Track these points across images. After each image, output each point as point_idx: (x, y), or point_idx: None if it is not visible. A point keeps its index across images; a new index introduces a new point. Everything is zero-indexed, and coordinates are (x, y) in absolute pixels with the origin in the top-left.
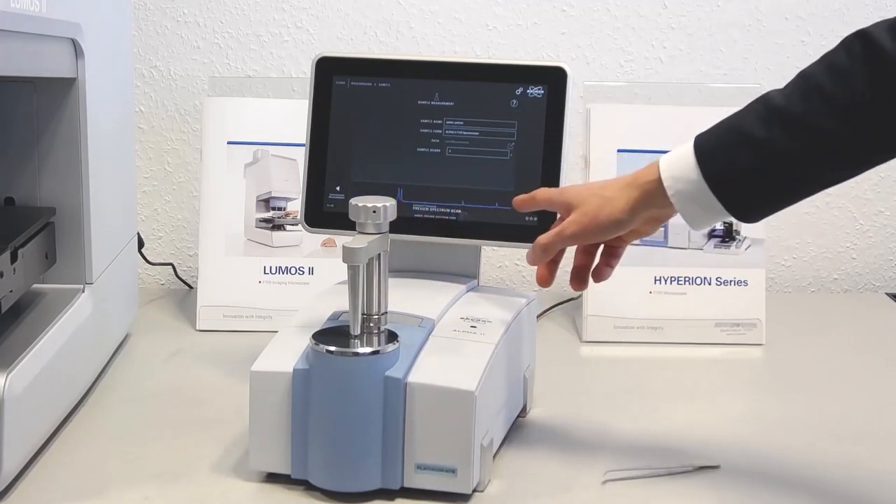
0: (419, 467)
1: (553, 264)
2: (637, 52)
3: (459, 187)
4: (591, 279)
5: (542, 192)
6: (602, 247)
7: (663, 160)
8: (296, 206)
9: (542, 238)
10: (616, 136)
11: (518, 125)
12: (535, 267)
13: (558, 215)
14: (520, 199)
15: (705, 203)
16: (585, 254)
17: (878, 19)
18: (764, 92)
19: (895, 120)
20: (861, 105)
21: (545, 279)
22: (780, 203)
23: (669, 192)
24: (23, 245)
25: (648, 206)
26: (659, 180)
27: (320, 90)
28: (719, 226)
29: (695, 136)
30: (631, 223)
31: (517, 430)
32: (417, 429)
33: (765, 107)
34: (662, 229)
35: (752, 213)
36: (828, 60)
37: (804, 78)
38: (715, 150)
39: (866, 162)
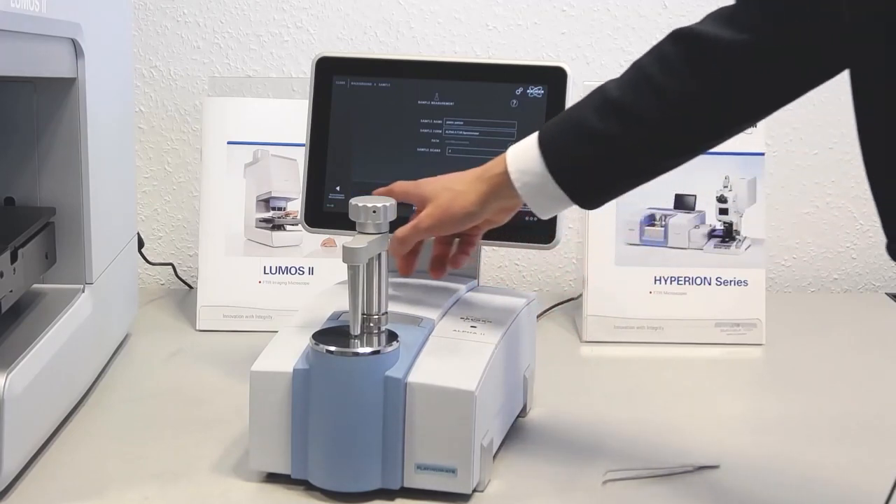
0: (419, 467)
1: (412, 255)
2: (637, 52)
3: None
4: (448, 266)
5: (399, 185)
6: (456, 239)
7: (510, 153)
8: (296, 206)
9: (399, 231)
10: None
11: (518, 125)
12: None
13: (414, 208)
14: (379, 191)
15: (550, 193)
16: (443, 244)
17: None
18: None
19: (719, 107)
20: (687, 94)
21: (404, 269)
22: (621, 189)
23: (517, 185)
24: (23, 245)
25: (497, 197)
26: (506, 173)
27: (320, 90)
28: (719, 225)
29: (540, 130)
30: (482, 214)
31: (517, 430)
32: (417, 429)
33: (601, 98)
34: (662, 230)
35: (595, 201)
36: (657, 52)
37: (637, 69)
38: (556, 141)
39: (695, 150)
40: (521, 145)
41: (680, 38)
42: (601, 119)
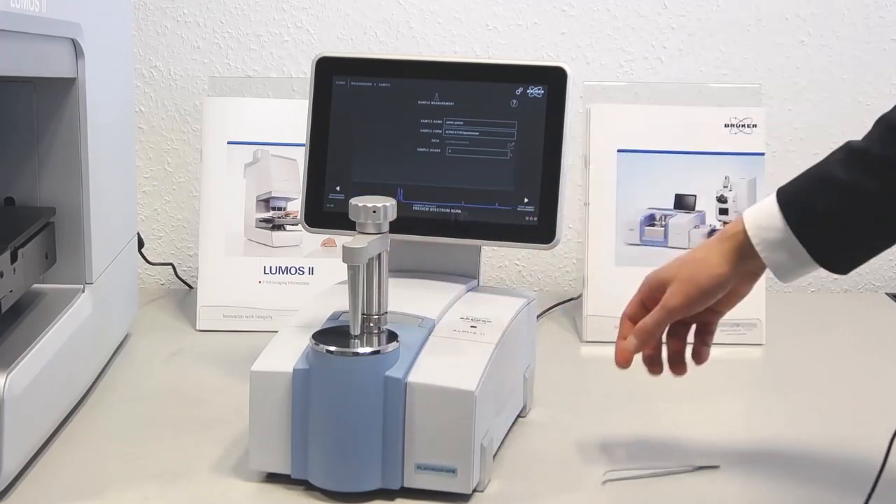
0: (419, 467)
1: (657, 349)
2: (637, 52)
3: (459, 187)
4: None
5: (642, 290)
6: (694, 328)
7: (747, 212)
8: (296, 206)
9: (646, 320)
10: (616, 136)
11: (518, 125)
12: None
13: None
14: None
15: (792, 251)
16: (676, 338)
17: (878, 19)
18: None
19: None
20: None
21: (654, 364)
22: (868, 246)
23: (755, 241)
24: (23, 245)
25: (742, 257)
26: (744, 231)
27: (320, 90)
28: (719, 226)
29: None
30: (731, 278)
31: (517, 430)
32: (417, 429)
33: (846, 152)
34: (662, 230)
35: (841, 260)
36: None
37: (882, 121)
38: (798, 195)
39: None
40: (758, 204)
41: None
42: (846, 170)
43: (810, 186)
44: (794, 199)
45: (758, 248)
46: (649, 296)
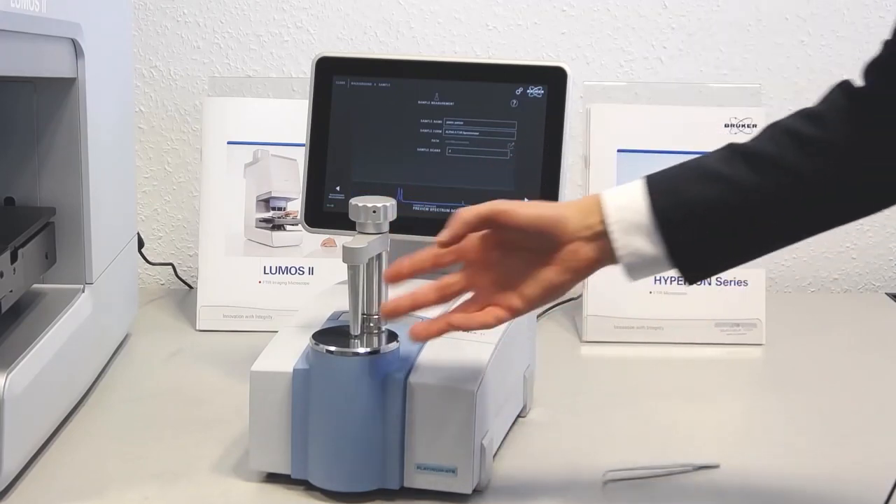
0: (419, 467)
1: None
2: (637, 52)
3: (459, 187)
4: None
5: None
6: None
7: (606, 192)
8: (296, 206)
9: (463, 210)
10: (616, 136)
11: (518, 125)
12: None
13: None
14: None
15: (649, 238)
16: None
17: (878, 19)
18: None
19: (877, 158)
20: (837, 142)
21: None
22: (731, 252)
23: (609, 221)
24: (23, 245)
25: (591, 231)
26: (599, 206)
27: (320, 90)
28: None
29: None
30: (565, 232)
31: (517, 430)
32: (417, 429)
33: (727, 149)
34: None
35: (701, 263)
36: (801, 111)
37: (772, 126)
38: (668, 181)
39: (849, 210)
40: (621, 187)
41: (831, 91)
42: (728, 164)
43: (684, 175)
44: (662, 184)
45: (611, 229)
46: (465, 228)
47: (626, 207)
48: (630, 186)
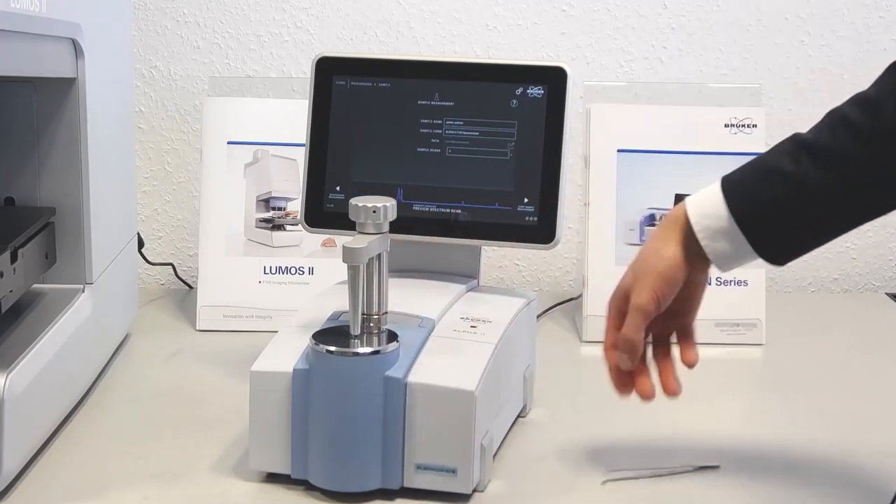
0: (419, 467)
1: (644, 365)
2: (637, 52)
3: (459, 187)
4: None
5: (611, 314)
6: (676, 336)
7: (689, 199)
8: (296, 206)
9: (624, 330)
10: (616, 136)
11: (518, 125)
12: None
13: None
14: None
15: (733, 240)
16: (661, 355)
17: (878, 19)
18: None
19: None
20: (891, 130)
21: (648, 390)
22: (810, 240)
23: (696, 229)
24: (23, 245)
25: (689, 241)
26: (686, 217)
27: (320, 90)
28: None
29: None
30: (685, 260)
31: (517, 430)
32: (417, 429)
33: (792, 143)
34: None
35: (781, 251)
36: (856, 97)
37: (830, 114)
38: (742, 184)
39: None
40: (702, 191)
41: (886, 73)
42: (793, 161)
43: (755, 176)
44: (738, 188)
45: (699, 236)
46: (619, 315)
47: (709, 215)
48: (710, 193)
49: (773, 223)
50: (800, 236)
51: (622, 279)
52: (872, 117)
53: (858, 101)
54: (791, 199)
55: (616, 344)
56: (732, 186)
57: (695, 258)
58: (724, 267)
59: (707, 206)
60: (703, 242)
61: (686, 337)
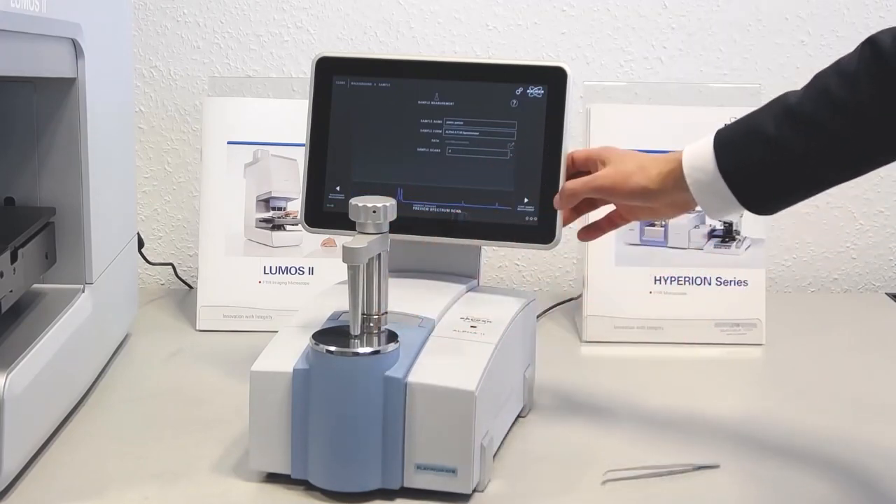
0: (419, 467)
1: (576, 212)
2: (637, 52)
3: (459, 187)
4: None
5: (579, 151)
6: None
7: (687, 149)
8: (296, 206)
9: (571, 183)
10: (616, 136)
11: (518, 125)
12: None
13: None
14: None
15: (720, 194)
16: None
17: (878, 19)
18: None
19: (894, 122)
20: (865, 106)
21: (568, 220)
22: (791, 198)
23: (689, 181)
24: (23, 245)
25: (675, 186)
26: (681, 165)
27: (320, 90)
28: (719, 225)
29: (717, 129)
30: (657, 197)
31: (517, 430)
32: (417, 429)
33: (780, 105)
34: (662, 230)
35: (765, 207)
36: (839, 64)
37: (816, 78)
38: (731, 144)
39: (871, 162)
40: (697, 143)
41: (863, 47)
42: (777, 126)
43: (743, 137)
44: (727, 147)
45: (691, 188)
46: (583, 163)
47: (699, 169)
48: (703, 147)
49: (758, 181)
50: (783, 193)
51: (610, 152)
52: (850, 92)
53: (840, 71)
54: (774, 162)
55: (562, 191)
56: (722, 145)
57: (672, 201)
58: (713, 216)
59: (698, 160)
60: (695, 195)
61: (610, 223)
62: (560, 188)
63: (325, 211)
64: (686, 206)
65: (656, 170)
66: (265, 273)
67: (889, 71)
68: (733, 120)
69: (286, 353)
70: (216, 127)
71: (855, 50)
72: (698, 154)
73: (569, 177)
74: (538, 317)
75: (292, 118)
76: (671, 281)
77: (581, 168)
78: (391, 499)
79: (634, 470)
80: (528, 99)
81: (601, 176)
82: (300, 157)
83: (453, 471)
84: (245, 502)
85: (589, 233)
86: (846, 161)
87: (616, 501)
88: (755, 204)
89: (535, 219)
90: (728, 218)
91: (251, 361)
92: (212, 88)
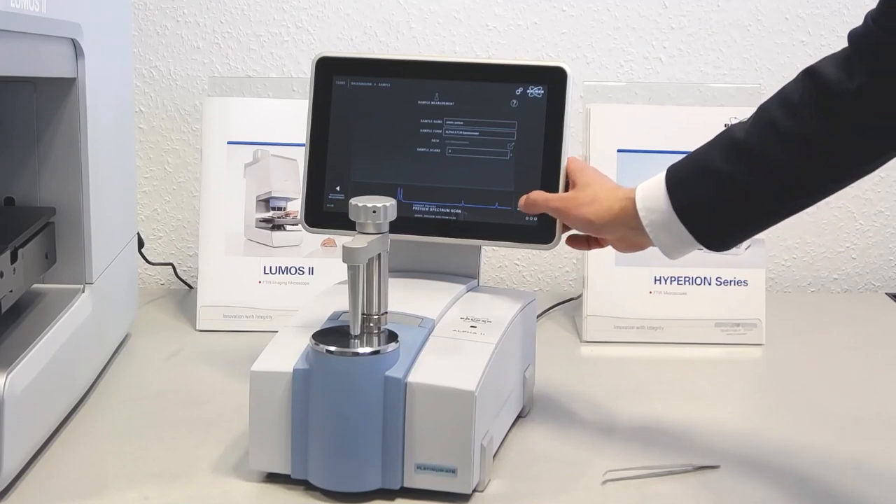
0: (419, 467)
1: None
2: (637, 52)
3: (459, 187)
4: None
5: (574, 162)
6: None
7: (639, 189)
8: (296, 206)
9: (535, 194)
10: (616, 136)
11: (518, 125)
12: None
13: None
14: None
15: (676, 232)
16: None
17: None
18: (730, 124)
19: (841, 150)
20: (810, 136)
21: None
22: (747, 231)
23: (644, 223)
24: (23, 245)
25: (624, 225)
26: (635, 205)
27: (320, 90)
28: None
29: (667, 167)
30: (602, 230)
31: (517, 430)
32: (417, 429)
33: (727, 139)
34: None
35: (722, 242)
36: (781, 95)
37: (761, 111)
38: (683, 181)
39: (821, 191)
40: (649, 182)
41: (804, 78)
42: (726, 160)
43: (694, 173)
44: (679, 185)
45: (647, 229)
46: (568, 173)
47: (654, 209)
48: (656, 186)
49: (712, 217)
50: (738, 228)
51: (584, 172)
52: (795, 123)
53: (784, 102)
54: (725, 197)
55: (526, 199)
56: (673, 183)
57: (620, 237)
58: (671, 255)
59: (651, 201)
60: (651, 236)
61: (593, 242)
62: (528, 194)
63: (325, 211)
64: (638, 245)
65: (607, 205)
66: (265, 273)
67: (830, 100)
68: (683, 156)
69: (286, 353)
70: (216, 127)
71: (795, 79)
72: (651, 194)
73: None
74: (538, 317)
75: (292, 118)
76: (671, 281)
77: (568, 177)
78: (391, 499)
79: (634, 470)
80: (528, 99)
81: (558, 198)
82: (300, 157)
83: (453, 471)
84: (245, 502)
85: (574, 242)
86: (797, 191)
87: (616, 501)
88: (712, 240)
89: (535, 219)
90: (682, 256)
91: (251, 361)
92: (212, 88)
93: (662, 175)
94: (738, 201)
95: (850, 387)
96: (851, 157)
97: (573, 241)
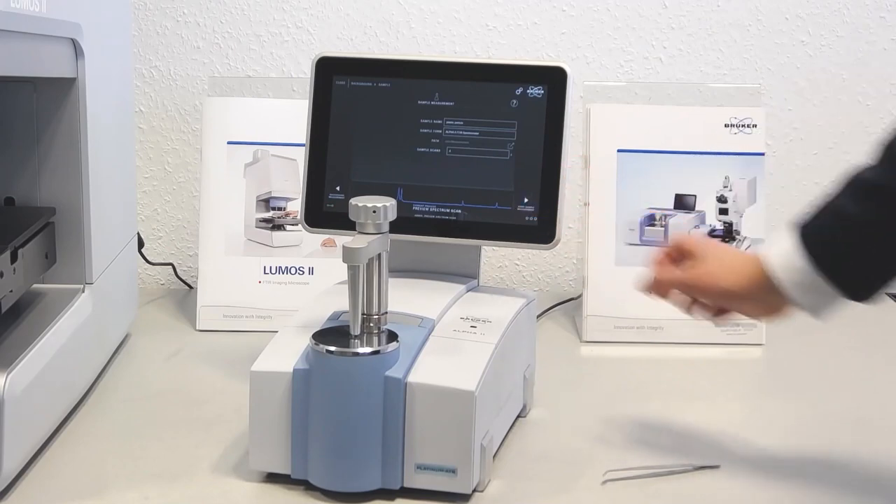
0: (419, 467)
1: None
2: (637, 52)
3: (459, 187)
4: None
5: (683, 236)
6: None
7: (771, 255)
8: (296, 206)
9: (660, 276)
10: (616, 136)
11: (518, 125)
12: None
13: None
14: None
15: (821, 290)
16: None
17: (878, 19)
18: (856, 170)
19: None
20: None
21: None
22: (892, 274)
23: (787, 286)
24: (23, 245)
25: (764, 289)
26: (770, 272)
27: (320, 90)
28: (719, 225)
29: (797, 224)
30: (744, 298)
31: (517, 430)
32: (417, 429)
33: (856, 184)
34: (662, 230)
35: (869, 290)
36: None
37: (888, 149)
38: (820, 236)
39: None
40: (775, 247)
41: None
42: (858, 205)
43: (829, 223)
44: (817, 240)
45: (791, 292)
46: (675, 252)
47: (790, 268)
48: (785, 247)
49: (857, 268)
50: (884, 272)
51: (704, 245)
52: None
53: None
54: (865, 241)
55: (652, 282)
56: (810, 239)
57: (760, 301)
58: (817, 316)
59: (789, 262)
60: (797, 298)
61: (720, 314)
62: (654, 276)
63: (325, 211)
64: (776, 309)
65: (746, 274)
66: (265, 273)
67: None
68: (809, 211)
69: (286, 353)
70: (216, 127)
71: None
72: (785, 256)
73: (664, 257)
74: (538, 317)
75: (292, 118)
76: None
77: (673, 252)
78: (391, 499)
79: (634, 470)
80: (528, 99)
81: (693, 277)
82: (300, 157)
83: (453, 471)
84: (245, 502)
85: (701, 311)
86: None
87: (616, 501)
88: (859, 291)
89: (535, 219)
90: (829, 311)
91: (251, 361)
92: (212, 88)
93: (789, 236)
94: (878, 243)
95: (850, 387)
96: None
97: (700, 310)
